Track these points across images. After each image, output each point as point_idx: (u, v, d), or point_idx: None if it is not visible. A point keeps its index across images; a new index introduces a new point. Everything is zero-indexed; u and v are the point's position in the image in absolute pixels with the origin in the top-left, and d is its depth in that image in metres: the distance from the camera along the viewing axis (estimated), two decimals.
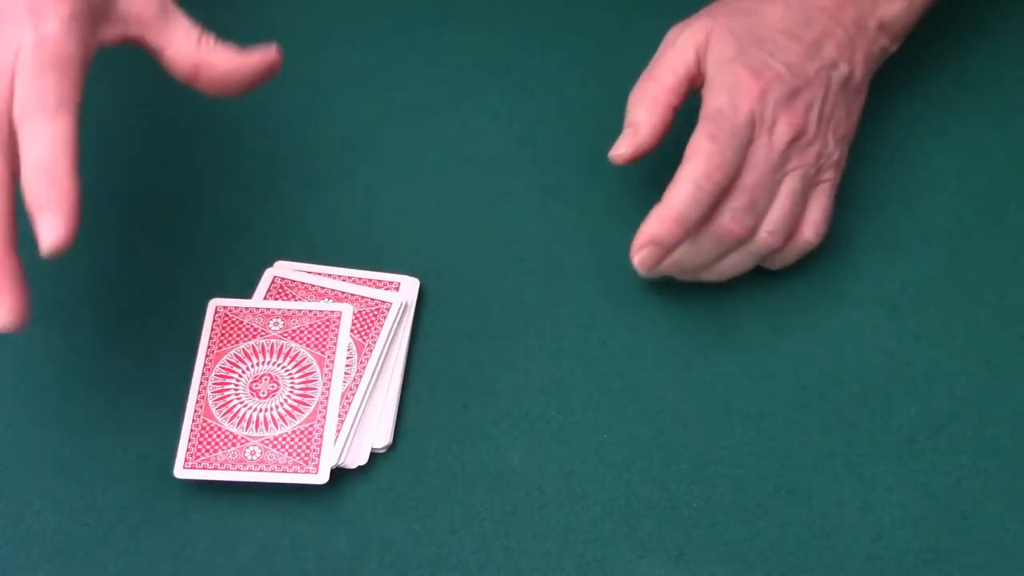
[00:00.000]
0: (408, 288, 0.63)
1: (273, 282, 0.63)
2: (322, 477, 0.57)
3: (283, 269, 0.63)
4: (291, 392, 0.60)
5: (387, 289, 0.63)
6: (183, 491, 0.59)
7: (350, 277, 0.64)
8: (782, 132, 0.60)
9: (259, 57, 0.57)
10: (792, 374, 0.62)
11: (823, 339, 0.63)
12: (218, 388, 0.60)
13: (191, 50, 0.57)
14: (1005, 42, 0.73)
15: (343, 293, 0.63)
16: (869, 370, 0.62)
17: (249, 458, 0.58)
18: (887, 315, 0.64)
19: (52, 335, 0.63)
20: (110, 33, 0.56)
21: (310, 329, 0.62)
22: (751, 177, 0.59)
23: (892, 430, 0.60)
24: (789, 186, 0.60)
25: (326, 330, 0.61)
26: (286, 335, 0.61)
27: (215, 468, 0.58)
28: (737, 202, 0.59)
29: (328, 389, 0.60)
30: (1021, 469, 0.59)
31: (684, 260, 0.60)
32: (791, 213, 0.61)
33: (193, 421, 0.59)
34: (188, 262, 0.65)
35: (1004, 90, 0.71)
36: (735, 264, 0.61)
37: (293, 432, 0.58)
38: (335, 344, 0.61)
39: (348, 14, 0.75)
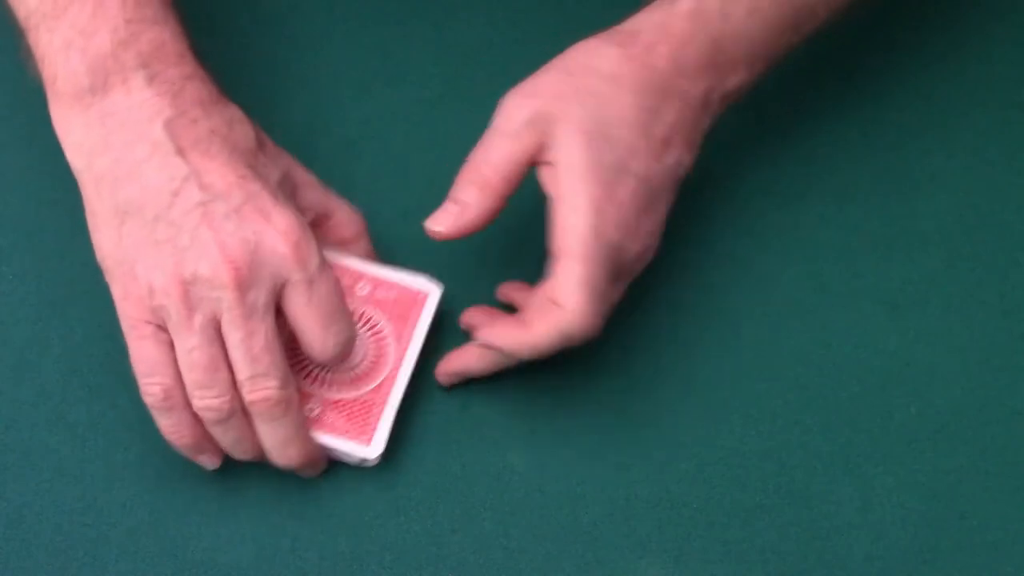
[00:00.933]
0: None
1: None
2: (375, 450, 0.57)
3: None
4: (363, 359, 0.59)
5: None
6: (183, 491, 0.59)
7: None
8: (634, 258, 0.56)
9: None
10: (792, 374, 0.62)
11: (823, 339, 0.63)
12: (295, 342, 0.58)
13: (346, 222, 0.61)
14: (1005, 42, 0.73)
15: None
16: (869, 370, 0.62)
17: (307, 415, 0.57)
18: (887, 315, 0.64)
19: (52, 335, 0.63)
20: None
21: (395, 301, 0.60)
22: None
23: (892, 430, 0.60)
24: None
25: (410, 306, 0.60)
26: (370, 301, 0.60)
27: None
28: None
29: (399, 365, 0.59)
30: (1021, 469, 0.59)
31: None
32: None
33: None
34: None
35: (1004, 90, 0.71)
36: None
37: (356, 400, 0.58)
38: (416, 322, 0.60)
39: (347, 12, 0.75)
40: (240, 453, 0.56)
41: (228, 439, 0.55)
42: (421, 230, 0.58)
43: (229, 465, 0.59)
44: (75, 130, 0.55)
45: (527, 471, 0.59)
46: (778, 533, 0.57)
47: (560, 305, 0.54)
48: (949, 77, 0.72)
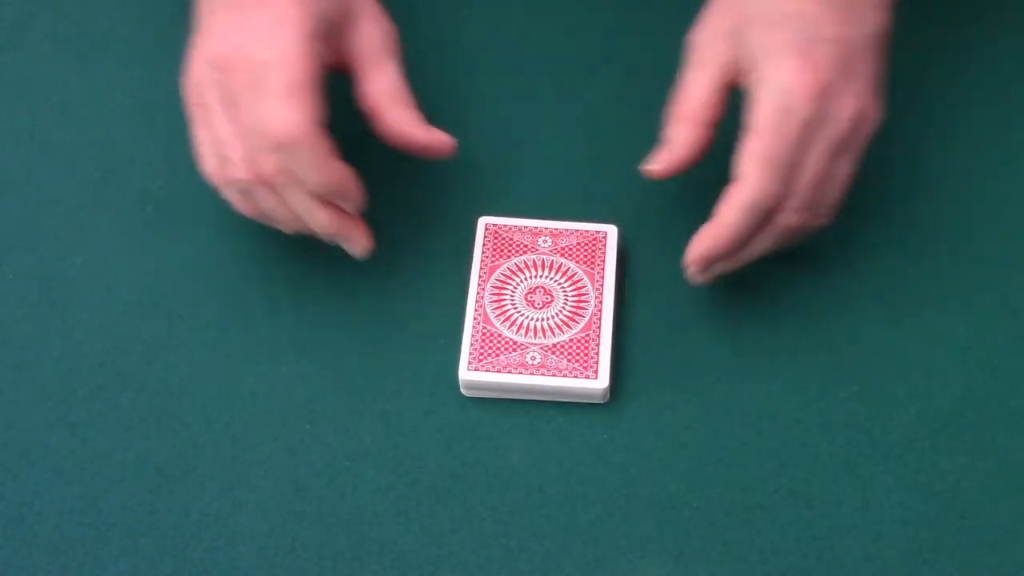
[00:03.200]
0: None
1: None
2: (602, 382, 0.60)
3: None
4: (565, 303, 0.62)
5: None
6: (183, 491, 0.59)
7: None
8: (844, 119, 0.57)
9: (427, 137, 0.60)
10: (792, 374, 0.62)
11: (823, 339, 0.63)
12: (495, 299, 0.63)
13: (378, 97, 0.60)
14: (1005, 42, 0.73)
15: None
16: (869, 370, 0.62)
17: (530, 363, 0.60)
18: (887, 315, 0.63)
19: (52, 335, 0.63)
20: (333, 59, 0.59)
21: (578, 247, 0.64)
22: (810, 172, 0.57)
23: (892, 430, 0.60)
24: (844, 170, 0.58)
25: (594, 248, 0.64)
26: (555, 251, 0.64)
27: (498, 371, 0.60)
28: (797, 201, 0.57)
29: (601, 302, 0.62)
30: (1021, 469, 0.59)
31: (742, 257, 0.60)
32: (843, 194, 0.59)
33: (473, 328, 0.61)
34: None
35: (1004, 90, 0.71)
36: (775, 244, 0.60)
37: (571, 340, 0.61)
38: (603, 261, 0.64)
39: None
40: (277, 219, 0.60)
41: (266, 208, 0.59)
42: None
43: (229, 465, 0.59)
44: None
45: (527, 471, 0.59)
46: (778, 533, 0.57)
47: (738, 180, 0.56)
48: (949, 77, 0.72)
